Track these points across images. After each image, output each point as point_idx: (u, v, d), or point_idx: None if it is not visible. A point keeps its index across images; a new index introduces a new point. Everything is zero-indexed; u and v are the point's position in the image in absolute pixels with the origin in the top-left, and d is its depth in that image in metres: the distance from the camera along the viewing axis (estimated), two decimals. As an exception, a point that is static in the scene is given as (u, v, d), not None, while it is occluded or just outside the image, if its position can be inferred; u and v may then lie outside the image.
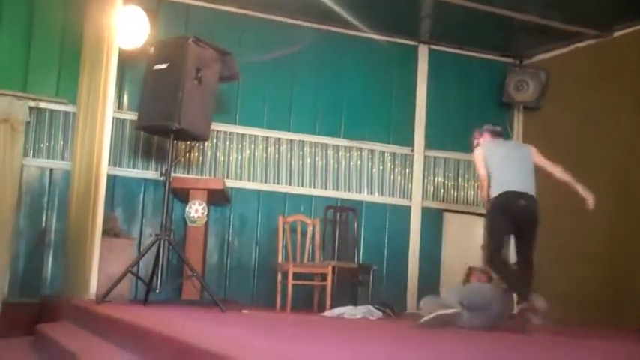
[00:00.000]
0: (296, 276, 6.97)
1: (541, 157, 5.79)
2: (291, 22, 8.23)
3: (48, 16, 7.41)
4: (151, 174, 7.58)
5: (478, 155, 5.87)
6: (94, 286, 5.93)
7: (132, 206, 7.59)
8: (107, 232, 6.45)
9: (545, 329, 5.47)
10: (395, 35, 8.61)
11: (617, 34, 7.97)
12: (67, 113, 7.41)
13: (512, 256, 6.21)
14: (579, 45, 8.33)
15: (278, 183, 8.12)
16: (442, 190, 8.73)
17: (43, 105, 7.33)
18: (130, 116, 7.44)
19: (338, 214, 7.97)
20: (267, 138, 8.11)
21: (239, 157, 8.01)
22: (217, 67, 6.50)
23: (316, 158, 8.28)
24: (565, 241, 7.30)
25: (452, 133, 8.77)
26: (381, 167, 8.51)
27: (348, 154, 8.39)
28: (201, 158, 7.88)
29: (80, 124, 6.97)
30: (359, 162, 8.43)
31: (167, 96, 6.11)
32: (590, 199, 5.60)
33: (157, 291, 5.93)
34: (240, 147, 8.02)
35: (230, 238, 7.91)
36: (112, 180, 7.12)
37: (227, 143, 7.98)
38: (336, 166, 8.34)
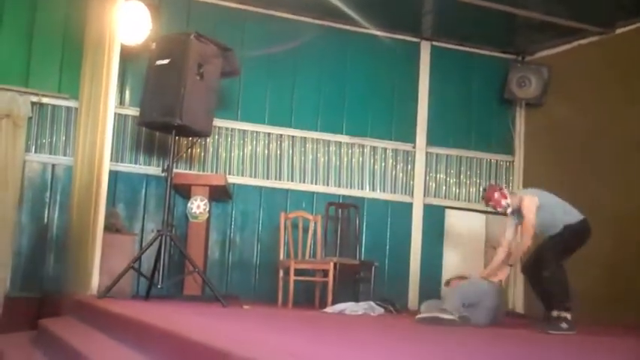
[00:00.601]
0: (298, 272, 6.97)
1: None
2: (292, 17, 8.22)
3: (50, 11, 7.41)
4: (153, 170, 7.58)
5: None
6: (95, 281, 5.96)
7: (134, 202, 7.59)
8: (109, 227, 6.46)
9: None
10: (397, 31, 8.59)
11: (619, 30, 7.96)
12: (69, 109, 7.41)
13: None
14: (582, 41, 8.32)
15: (280, 179, 8.12)
16: (444, 187, 8.72)
17: (45, 100, 7.33)
18: (132, 112, 7.44)
19: (340, 211, 7.97)
20: (269, 134, 8.11)
21: (241, 153, 8.01)
22: (219, 62, 6.50)
23: (318, 154, 8.27)
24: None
25: (454, 129, 8.77)
26: (382, 164, 8.51)
27: (349, 151, 8.39)
28: (203, 154, 7.88)
29: (82, 120, 6.97)
30: (361, 158, 8.43)
31: (169, 92, 6.12)
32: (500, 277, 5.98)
33: (159, 286, 5.94)
34: (242, 143, 8.02)
35: (232, 234, 7.92)
36: (113, 176, 7.13)
37: (229, 139, 7.98)
38: (337, 163, 8.34)
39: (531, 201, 5.96)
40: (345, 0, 7.74)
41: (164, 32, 7.07)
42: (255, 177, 8.03)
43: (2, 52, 7.29)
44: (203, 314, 4.97)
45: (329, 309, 6.61)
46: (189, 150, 7.73)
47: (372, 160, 8.46)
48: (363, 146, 8.44)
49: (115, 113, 6.45)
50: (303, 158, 8.22)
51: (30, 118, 7.25)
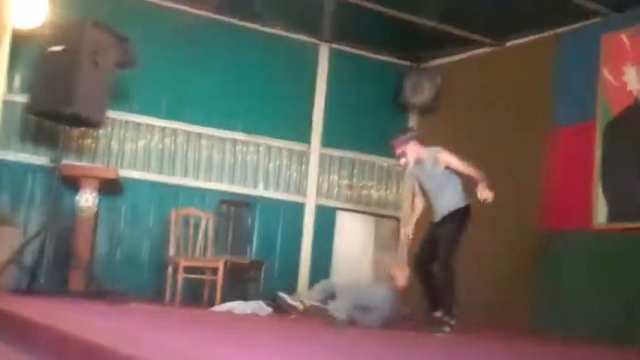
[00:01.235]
0: (187, 270, 6.91)
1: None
2: (192, 11, 8.13)
3: None
4: (41, 160, 7.34)
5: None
6: (-26, 274, 5.73)
7: (19, 193, 7.32)
8: (-10, 219, 6.23)
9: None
10: (297, 32, 8.65)
11: (510, 43, 8.28)
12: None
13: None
14: (474, 52, 8.60)
15: (173, 174, 8.01)
16: (336, 188, 8.83)
17: None
18: (22, 99, 7.17)
19: (232, 209, 7.94)
20: (163, 128, 8.00)
21: (134, 147, 7.87)
22: (115, 52, 6.39)
23: (213, 151, 8.22)
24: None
25: (348, 132, 8.89)
26: (277, 163, 8.53)
27: (244, 149, 8.38)
28: (94, 146, 7.69)
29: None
30: (255, 157, 8.43)
31: (62, 79, 5.96)
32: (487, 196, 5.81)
33: (42, 281, 5.77)
34: (135, 136, 7.88)
35: (121, 229, 7.76)
36: (-2, 164, 6.87)
37: (122, 132, 7.82)
38: (232, 160, 8.31)
39: (449, 154, 6.03)
40: (246, -2, 7.76)
41: (60, 18, 6.85)
42: (147, 171, 7.90)
43: None
44: (87, 311, 4.86)
45: (217, 307, 6.58)
46: (80, 141, 7.52)
47: (266, 159, 8.48)
48: (258, 145, 8.44)
49: (3, 100, 6.21)
50: (197, 154, 8.15)
51: None
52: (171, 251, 7.22)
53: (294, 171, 8.63)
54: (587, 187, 7.06)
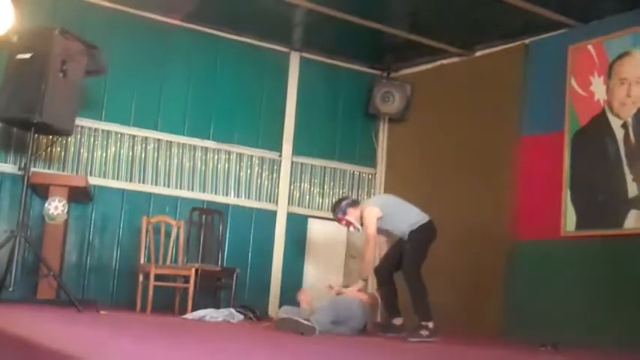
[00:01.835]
0: (158, 277, 6.88)
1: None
2: (162, 19, 8.11)
3: None
4: (10, 167, 7.28)
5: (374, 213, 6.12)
6: (-60, 283, 5.65)
7: (-14, 201, 7.25)
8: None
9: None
10: (267, 41, 8.66)
11: (479, 53, 8.37)
12: None
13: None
14: (444, 61, 8.67)
15: (143, 182, 7.98)
16: (308, 196, 8.85)
17: None
18: (-11, 107, 7.11)
19: (203, 217, 7.93)
20: (134, 136, 7.96)
21: (104, 154, 7.82)
22: (84, 60, 6.35)
23: (184, 159, 8.20)
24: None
25: (319, 140, 8.92)
26: (248, 171, 8.53)
27: (216, 157, 8.37)
28: (63, 153, 7.64)
29: None
30: (227, 165, 8.42)
31: (29, 87, 5.92)
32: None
33: (11, 289, 5.71)
34: (105, 144, 7.83)
35: (91, 237, 7.70)
36: (-36, 172, 6.80)
37: (91, 139, 7.77)
38: (203, 168, 8.29)
39: (370, 212, 6.12)
40: (216, 6, 7.74)
41: (27, 25, 6.80)
42: (117, 179, 7.86)
43: None
44: (56, 319, 4.83)
45: (189, 315, 6.56)
46: (49, 149, 7.47)
47: (237, 167, 8.47)
48: (229, 153, 8.43)
49: (-30, 107, 6.14)
50: (168, 162, 8.12)
51: None
52: (142, 259, 7.19)
53: (266, 179, 8.63)
54: (557, 196, 7.15)
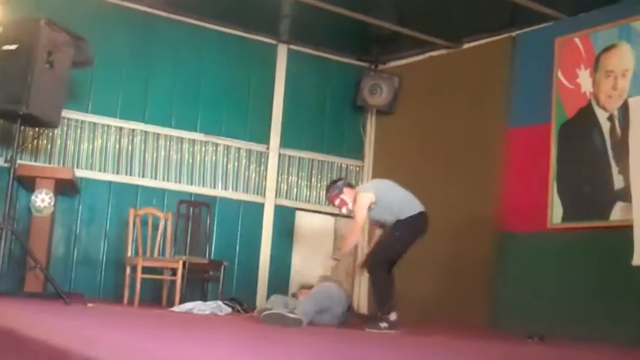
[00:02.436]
0: (145, 270, 6.86)
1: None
2: (148, 10, 8.07)
3: None
4: (-5, 160, 7.24)
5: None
6: None
7: (-28, 193, 7.20)
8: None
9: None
10: (255, 32, 8.64)
11: (466, 45, 8.38)
12: None
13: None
14: (432, 54, 8.68)
15: (130, 175, 7.95)
16: (295, 189, 8.85)
17: None
18: (-26, 98, 7.06)
19: (191, 209, 7.91)
20: (120, 128, 7.93)
21: (90, 147, 7.79)
22: (70, 51, 6.30)
23: (171, 151, 8.17)
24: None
25: (307, 132, 8.92)
26: (236, 163, 8.52)
27: (203, 149, 8.35)
28: (49, 146, 7.60)
29: None
30: (214, 157, 8.41)
31: (15, 79, 5.87)
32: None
33: (-3, 282, 5.69)
34: (92, 136, 7.80)
35: (78, 230, 7.68)
36: (-50, 165, 6.76)
37: (78, 132, 7.74)
38: (190, 160, 8.27)
39: (364, 197, 6.08)
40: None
41: (13, 16, 6.76)
42: (104, 171, 7.83)
43: None
44: (44, 312, 4.81)
45: (176, 308, 6.56)
46: (36, 141, 7.43)
47: (225, 159, 8.46)
48: (217, 145, 8.41)
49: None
50: (155, 154, 8.09)
51: None
52: (130, 252, 7.17)
53: (253, 171, 8.62)
54: (543, 188, 7.18)
